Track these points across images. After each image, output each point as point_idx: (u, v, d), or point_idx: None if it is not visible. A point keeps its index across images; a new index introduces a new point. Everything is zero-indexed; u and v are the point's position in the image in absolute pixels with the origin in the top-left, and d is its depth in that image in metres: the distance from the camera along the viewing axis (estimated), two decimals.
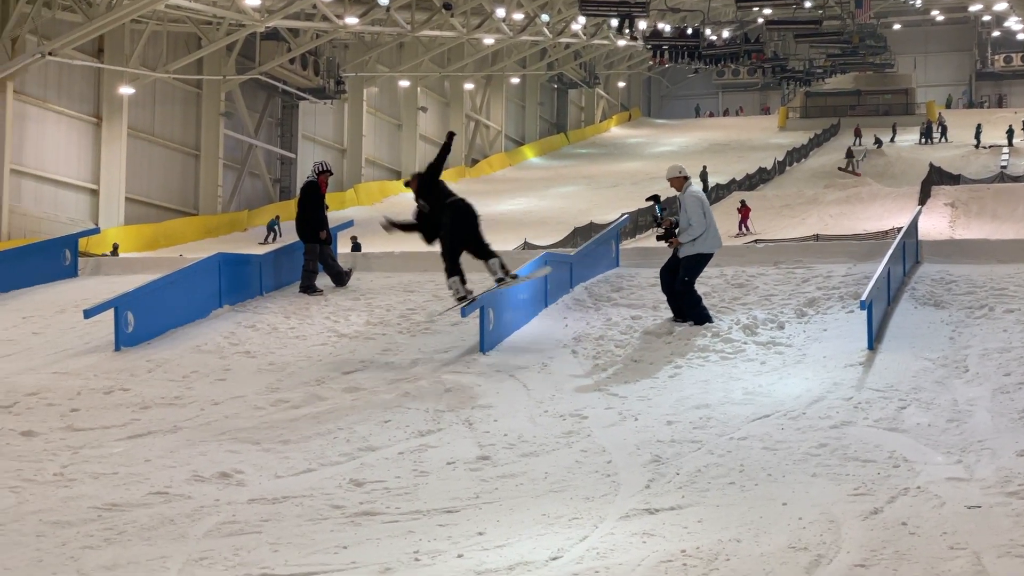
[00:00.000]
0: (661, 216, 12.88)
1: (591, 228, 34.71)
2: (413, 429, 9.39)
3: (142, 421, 9.85)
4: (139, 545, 6.59)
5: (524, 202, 49.71)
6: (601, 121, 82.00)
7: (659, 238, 12.93)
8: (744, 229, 36.71)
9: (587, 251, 15.92)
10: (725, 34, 59.46)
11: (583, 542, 6.17)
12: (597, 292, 14.53)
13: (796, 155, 62.24)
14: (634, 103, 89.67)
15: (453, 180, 58.18)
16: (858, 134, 66.80)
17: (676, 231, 12.62)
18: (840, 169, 54.90)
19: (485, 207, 50.27)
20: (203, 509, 7.34)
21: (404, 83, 55.88)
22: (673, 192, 12.93)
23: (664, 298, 12.99)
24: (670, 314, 12.82)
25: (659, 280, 13.03)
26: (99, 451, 8.99)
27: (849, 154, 55.32)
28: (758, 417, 9.20)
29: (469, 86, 62.34)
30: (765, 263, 15.86)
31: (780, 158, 59.42)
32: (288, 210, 39.19)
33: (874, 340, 11.20)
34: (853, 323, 11.85)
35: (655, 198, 13.23)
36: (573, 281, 14.79)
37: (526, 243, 32.61)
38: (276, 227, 38.41)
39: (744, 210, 37.89)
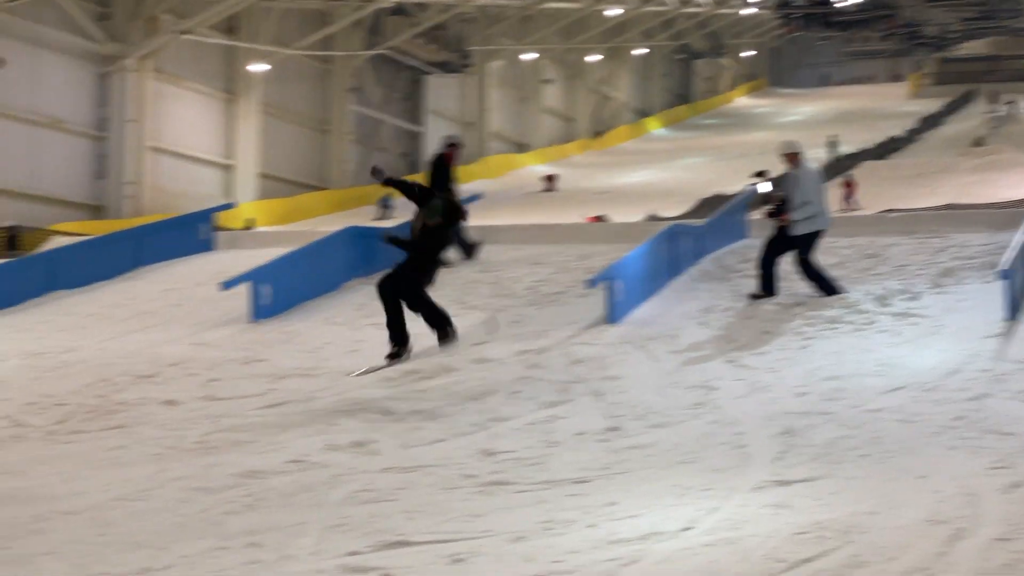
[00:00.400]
0: (770, 192, 12.74)
1: (718, 199, 34.32)
2: (542, 400, 9.45)
3: (278, 391, 10.08)
4: (278, 511, 6.76)
5: (649, 174, 49.37)
6: (727, 91, 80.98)
7: (769, 215, 12.77)
8: (850, 204, 35.86)
9: (715, 222, 15.80)
10: (856, 0, 58.16)
11: (715, 513, 6.15)
12: (726, 263, 14.41)
13: (929, 123, 60.69)
14: (761, 72, 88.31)
15: (578, 153, 58.11)
16: (994, 100, 64.83)
17: (785, 208, 12.45)
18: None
19: (610, 179, 49.69)
20: (339, 477, 7.49)
21: (529, 56, 55.84)
22: (771, 170, 12.77)
23: (786, 271, 12.79)
24: (800, 286, 12.64)
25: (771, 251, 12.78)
26: (238, 420, 9.24)
27: (978, 143, 53.38)
28: (892, 389, 9.06)
29: (594, 58, 62.05)
30: (898, 232, 15.56)
31: (912, 126, 58.01)
32: None
33: (1013, 311, 10.92)
34: (991, 293, 11.55)
35: (761, 174, 13.09)
36: (701, 252, 14.69)
37: (652, 215, 32.41)
38: (389, 203, 38.63)
39: (850, 185, 37.00)
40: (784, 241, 12.51)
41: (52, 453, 8.63)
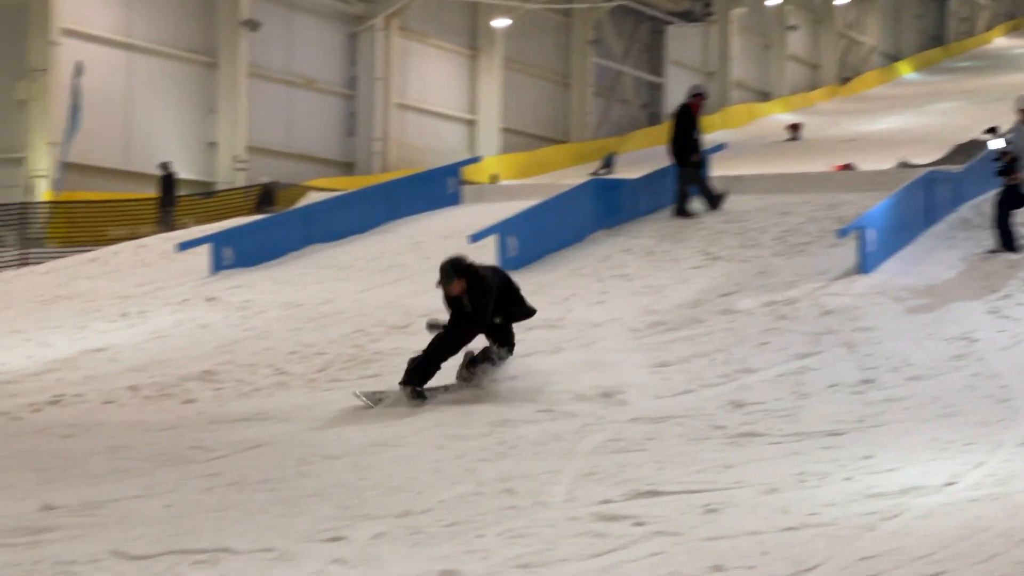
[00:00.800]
0: (1002, 150, 12.06)
1: (974, 145, 32.85)
2: (791, 351, 9.28)
3: (525, 341, 10.14)
4: (530, 459, 6.85)
5: (900, 120, 47.61)
6: (985, 32, 77.13)
7: (999, 172, 12.09)
8: None
9: (974, 168, 15.11)
10: None
11: (979, 468, 5.92)
12: (986, 211, 13.77)
13: None
14: (1022, 11, 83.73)
15: (824, 100, 56.52)
16: None
17: (1016, 166, 11.77)
18: None
19: (858, 126, 48.12)
20: (588, 427, 7.55)
21: (773, 2, 54.46)
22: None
23: None
24: None
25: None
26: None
27: None
28: None
29: (841, 2, 60.06)
30: None
31: None
32: (655, 136, 39.30)
33: None
34: None
35: (993, 130, 12.44)
36: (960, 200, 14.10)
37: (903, 162, 31.29)
38: (612, 161, 38.37)
39: None
40: (1016, 198, 11.90)
41: (314, 400, 9.01)
